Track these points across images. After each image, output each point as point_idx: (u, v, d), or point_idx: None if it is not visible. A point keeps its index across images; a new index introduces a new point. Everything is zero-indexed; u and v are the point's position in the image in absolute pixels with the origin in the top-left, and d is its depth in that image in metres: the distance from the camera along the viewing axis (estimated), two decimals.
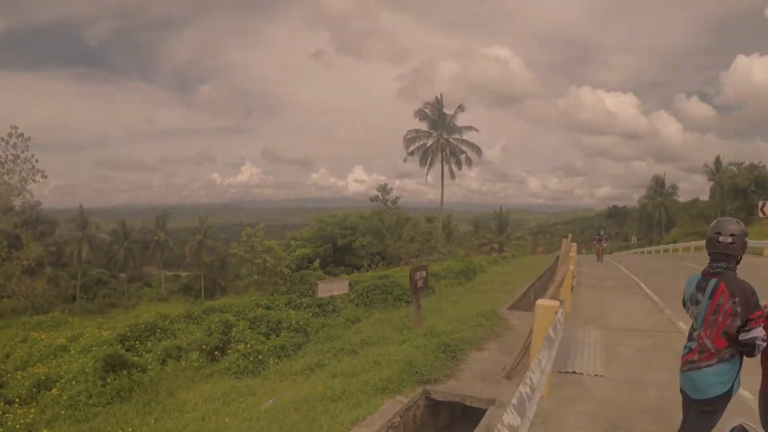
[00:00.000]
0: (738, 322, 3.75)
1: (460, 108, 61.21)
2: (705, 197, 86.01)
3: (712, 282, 3.93)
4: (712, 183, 75.50)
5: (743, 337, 3.73)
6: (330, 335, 13.41)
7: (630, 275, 22.33)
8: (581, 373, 8.03)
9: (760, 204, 34.65)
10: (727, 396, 3.86)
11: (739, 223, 3.99)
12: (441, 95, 61.56)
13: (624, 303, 14.78)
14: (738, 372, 3.89)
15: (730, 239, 3.89)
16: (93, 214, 79.10)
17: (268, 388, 9.45)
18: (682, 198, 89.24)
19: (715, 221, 4.08)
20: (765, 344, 3.70)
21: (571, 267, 13.78)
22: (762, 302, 3.80)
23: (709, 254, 4.05)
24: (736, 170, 69.87)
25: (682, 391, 4.21)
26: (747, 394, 6.09)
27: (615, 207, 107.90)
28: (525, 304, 14.80)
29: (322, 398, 7.22)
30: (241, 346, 12.86)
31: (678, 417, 6.01)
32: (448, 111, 60.80)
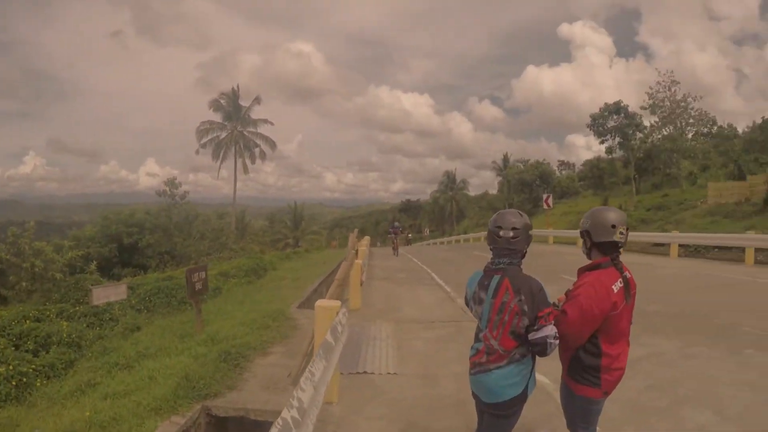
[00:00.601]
0: (526, 321, 3.53)
1: (257, 100, 60.68)
2: (494, 191, 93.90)
3: (495, 279, 3.67)
4: (500, 178, 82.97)
5: (533, 336, 3.52)
6: (105, 348, 12.13)
7: (422, 267, 23.04)
8: (373, 373, 7.82)
9: (545, 197, 38.76)
10: (521, 397, 3.68)
11: (521, 215, 3.75)
12: (238, 86, 60.68)
13: (417, 294, 15.09)
14: (531, 371, 3.72)
15: (512, 233, 3.64)
16: None
17: (34, 417, 8.20)
18: (473, 192, 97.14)
19: (495, 214, 3.81)
20: (557, 342, 3.53)
21: (359, 261, 13.78)
22: (550, 298, 3.64)
23: (491, 249, 3.79)
24: (522, 167, 78.12)
25: (474, 394, 3.97)
26: (546, 380, 6.23)
27: (408, 201, 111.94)
28: (315, 301, 14.50)
29: (89, 426, 6.29)
30: (2, 368, 11.34)
31: None
32: (245, 103, 60.08)
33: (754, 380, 6.87)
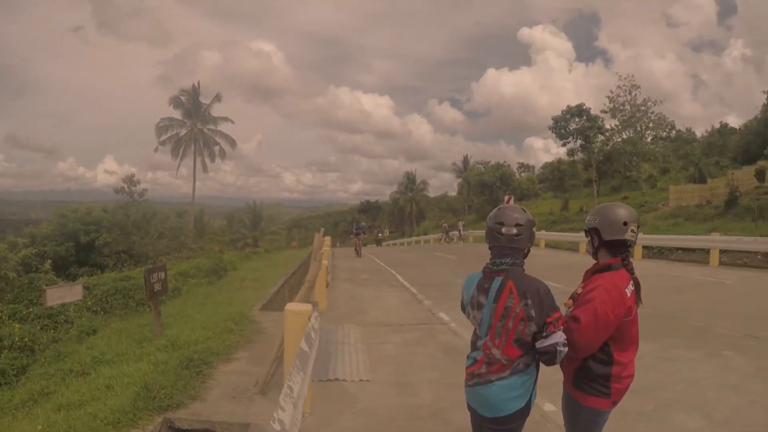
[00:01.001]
0: (533, 328, 3.21)
1: (217, 98, 60.30)
2: (453, 193, 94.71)
3: (497, 281, 3.32)
4: (460, 180, 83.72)
5: (541, 344, 3.20)
6: (60, 352, 11.54)
7: (386, 268, 22.91)
8: (345, 380, 7.46)
9: (506, 198, 38.56)
10: (525, 411, 3.35)
11: (524, 211, 3.43)
12: (198, 83, 60.20)
13: (382, 296, 14.87)
14: (535, 382, 3.41)
15: (515, 230, 3.31)
16: None
17: None
18: (432, 193, 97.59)
19: (495, 210, 3.48)
20: (566, 349, 3.22)
21: (325, 262, 13.48)
22: (557, 301, 3.32)
23: (491, 248, 3.45)
24: (483, 168, 78.49)
25: (469, 407, 3.57)
26: (550, 406, 5.94)
27: (368, 201, 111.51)
28: (279, 302, 14.08)
29: None
30: None
31: (457, 417, 5.71)
32: (205, 100, 59.27)
33: (736, 383, 6.82)
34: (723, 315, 10.91)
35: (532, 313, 3.20)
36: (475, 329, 3.50)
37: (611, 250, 3.51)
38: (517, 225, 3.33)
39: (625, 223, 3.43)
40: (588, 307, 3.29)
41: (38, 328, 14.14)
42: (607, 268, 3.47)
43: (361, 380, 7.46)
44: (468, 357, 3.53)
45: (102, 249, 39.15)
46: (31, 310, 15.47)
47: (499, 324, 3.28)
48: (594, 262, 3.63)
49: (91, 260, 38.43)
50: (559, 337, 3.19)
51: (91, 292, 17.33)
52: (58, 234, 38.34)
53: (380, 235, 40.05)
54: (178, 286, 18.71)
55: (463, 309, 3.61)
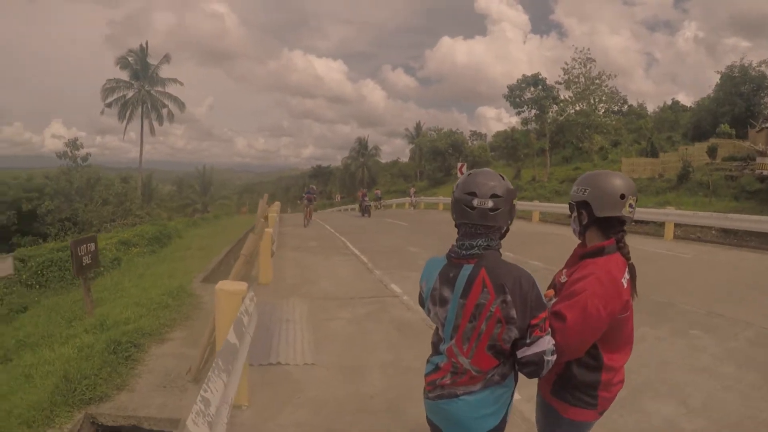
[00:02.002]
0: (513, 333, 2.42)
1: (166, 58, 58.22)
2: (405, 159, 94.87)
3: (466, 270, 2.48)
4: (412, 146, 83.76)
5: (524, 353, 2.44)
6: None
7: (336, 234, 22.39)
8: (288, 364, 6.74)
9: (459, 165, 38.29)
10: (499, 428, 2.59)
11: (503, 178, 2.56)
12: (146, 43, 57.98)
13: (332, 265, 14.34)
14: (512, 394, 2.66)
15: (490, 202, 2.45)
16: None
17: None
18: (384, 159, 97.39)
19: (464, 177, 2.59)
20: (555, 358, 2.49)
21: (270, 230, 12.83)
22: (543, 294, 2.53)
23: (458, 227, 2.61)
24: (435, 135, 78.39)
25: (430, 422, 2.80)
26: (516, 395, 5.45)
27: (320, 167, 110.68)
28: (223, 273, 13.36)
29: None
30: None
31: (412, 408, 5.16)
32: (153, 62, 57.30)
33: (708, 366, 6.59)
34: (684, 290, 10.67)
35: (512, 313, 2.40)
36: (437, 329, 2.70)
37: (603, 229, 2.79)
38: (494, 196, 2.47)
39: (623, 196, 2.71)
40: (576, 302, 2.58)
41: None
42: (599, 251, 2.76)
43: (306, 364, 6.79)
44: (428, 361, 2.75)
45: (45, 217, 38.03)
46: None
47: (469, 326, 2.48)
48: (578, 241, 2.94)
49: (34, 229, 37.40)
50: (546, 343, 2.45)
51: (26, 265, 16.47)
52: None
53: (368, 201, 37.03)
54: (118, 255, 17.86)
55: (422, 303, 2.78)
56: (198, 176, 72.22)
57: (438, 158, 72.65)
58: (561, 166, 49.93)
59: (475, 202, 2.47)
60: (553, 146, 50.35)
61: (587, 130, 44.47)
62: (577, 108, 44.85)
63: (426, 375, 2.73)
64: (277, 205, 22.17)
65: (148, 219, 36.68)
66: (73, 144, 44.73)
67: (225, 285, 5.25)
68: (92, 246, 9.54)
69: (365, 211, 35.18)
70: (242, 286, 5.33)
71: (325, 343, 7.67)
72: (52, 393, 5.50)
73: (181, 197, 66.29)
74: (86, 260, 9.26)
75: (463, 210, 2.52)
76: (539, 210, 27.44)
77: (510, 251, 12.33)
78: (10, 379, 6.53)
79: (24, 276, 15.84)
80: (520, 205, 28.68)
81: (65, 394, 5.51)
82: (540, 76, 45.62)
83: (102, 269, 14.91)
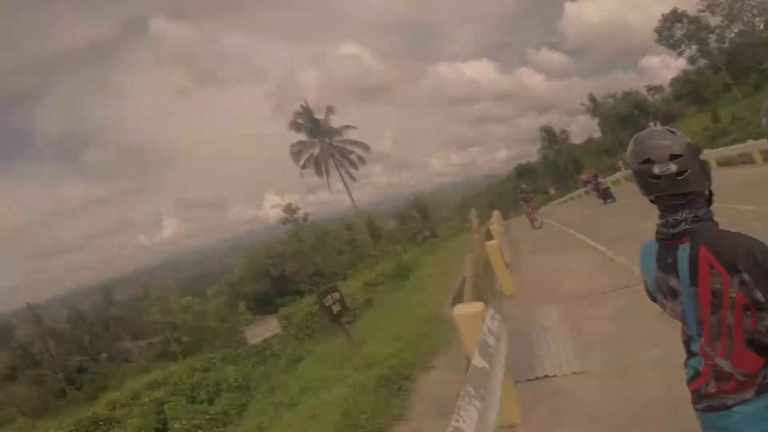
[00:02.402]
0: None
1: (330, 110, 60.60)
2: (597, 134, 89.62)
3: (684, 251, 1.98)
4: (597, 119, 78.74)
5: None
6: (272, 386, 12.18)
7: (563, 228, 21.58)
8: (555, 375, 6.16)
9: (652, 124, 35.63)
10: None
11: (674, 133, 2.07)
12: (306, 102, 60.55)
13: (570, 262, 13.48)
14: None
15: (674, 167, 1.95)
16: (42, 308, 74.71)
17: None
18: (576, 140, 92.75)
19: (632, 143, 2.16)
20: None
21: (494, 242, 12.57)
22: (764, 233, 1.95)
23: (652, 201, 2.14)
24: (613, 101, 73.38)
25: None
26: None
27: (521, 165, 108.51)
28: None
29: None
30: (177, 425, 11.62)
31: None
32: (319, 116, 60.19)
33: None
34: None
35: (758, 296, 1.81)
36: (681, 324, 2.17)
37: None
38: (674, 157, 1.97)
39: None
40: None
41: (250, 366, 15.00)
42: None
43: (573, 373, 6.15)
44: (686, 365, 2.20)
45: (295, 277, 41.25)
46: (239, 351, 16.46)
47: (713, 319, 1.94)
48: None
49: (289, 289, 40.51)
50: None
51: (291, 321, 18.08)
52: (251, 274, 40.84)
53: (605, 182, 30.36)
54: (369, 297, 18.96)
55: (653, 298, 2.33)
56: (413, 205, 74.00)
57: (628, 124, 68.19)
58: (755, 96, 44.22)
59: (656, 169, 2.01)
60: (737, 77, 45.74)
61: (758, 49, 40.08)
62: (735, 30, 40.56)
63: (688, 382, 2.20)
64: (496, 214, 22.16)
65: (384, 256, 38.36)
66: (290, 208, 48.29)
67: (461, 309, 5.05)
68: (337, 295, 10.16)
69: (607, 195, 27.24)
70: (478, 307, 5.02)
71: (586, 347, 6.98)
72: (337, 430, 6.06)
73: (405, 228, 68.23)
74: (335, 308, 9.92)
75: (647, 183, 2.07)
76: (759, 149, 21.30)
77: (748, 203, 11.15)
78: (300, 420, 7.41)
79: (292, 331, 17.41)
80: (737, 149, 23.16)
81: (348, 428, 6.02)
82: (679, 11, 42.05)
83: (357, 311, 15.96)
